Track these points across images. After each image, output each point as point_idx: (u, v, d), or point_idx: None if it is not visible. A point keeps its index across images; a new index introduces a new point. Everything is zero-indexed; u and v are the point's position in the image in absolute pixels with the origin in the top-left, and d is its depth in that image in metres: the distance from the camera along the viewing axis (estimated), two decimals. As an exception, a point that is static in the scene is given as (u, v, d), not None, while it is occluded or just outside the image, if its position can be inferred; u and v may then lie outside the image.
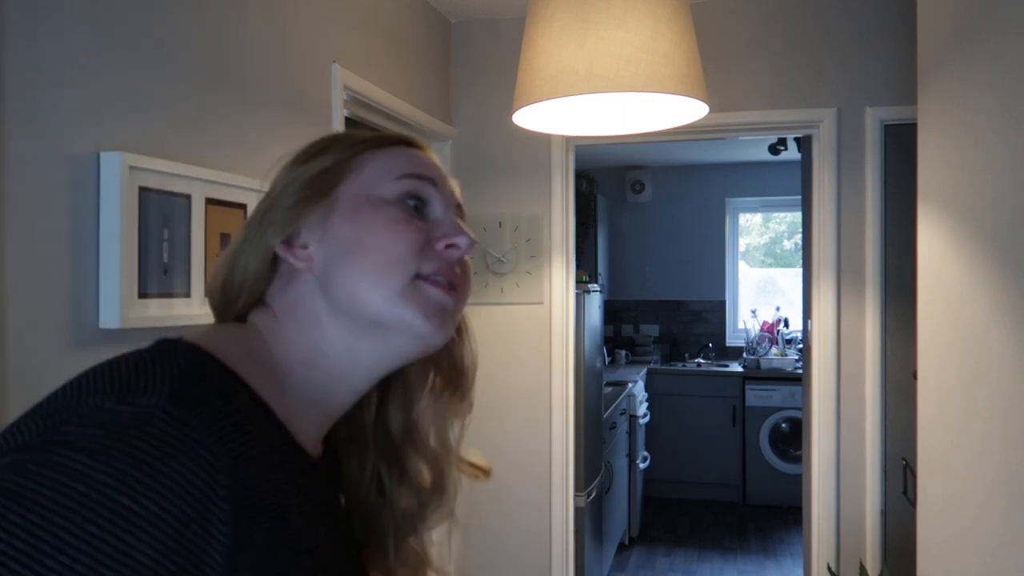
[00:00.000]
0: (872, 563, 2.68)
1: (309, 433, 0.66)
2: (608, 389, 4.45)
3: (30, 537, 0.44)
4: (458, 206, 0.73)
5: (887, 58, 2.71)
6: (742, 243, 6.32)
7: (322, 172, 0.69)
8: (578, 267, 3.26)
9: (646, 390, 5.36)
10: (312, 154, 0.71)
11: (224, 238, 1.58)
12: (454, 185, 0.75)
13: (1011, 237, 1.37)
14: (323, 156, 0.71)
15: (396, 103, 2.54)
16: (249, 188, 1.62)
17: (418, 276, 0.66)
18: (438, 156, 0.76)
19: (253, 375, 0.61)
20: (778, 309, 5.90)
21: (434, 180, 0.71)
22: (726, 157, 5.78)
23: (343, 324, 0.66)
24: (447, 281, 0.68)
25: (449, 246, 0.68)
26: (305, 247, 0.67)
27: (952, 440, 1.64)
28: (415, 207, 0.69)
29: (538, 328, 3.03)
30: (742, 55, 2.85)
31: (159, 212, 1.43)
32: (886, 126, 2.72)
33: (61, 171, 1.27)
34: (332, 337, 0.66)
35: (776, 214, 6.39)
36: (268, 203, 0.70)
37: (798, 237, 6.11)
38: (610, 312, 6.10)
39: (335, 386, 0.67)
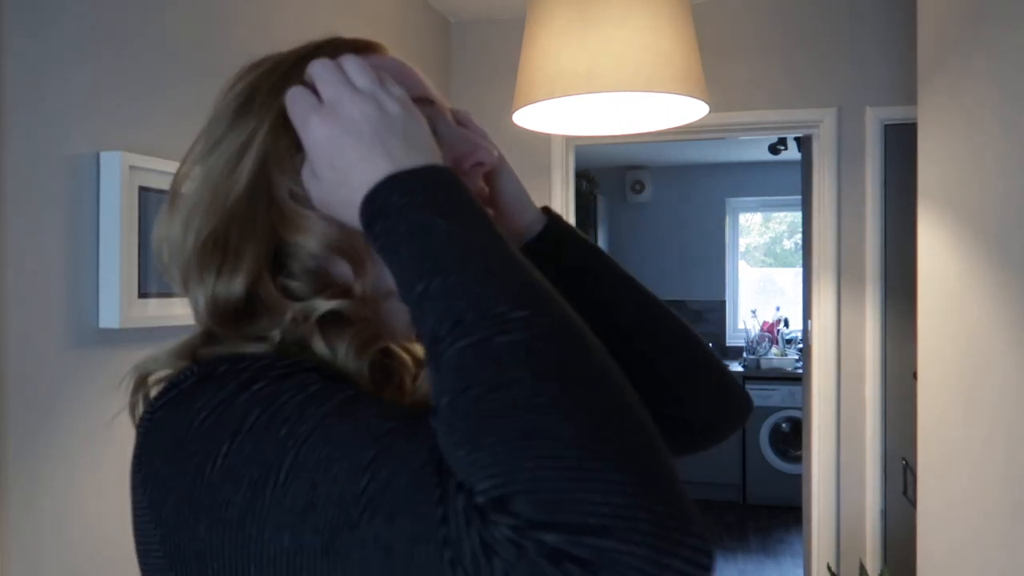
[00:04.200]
0: (872, 563, 2.68)
1: None
2: (608, 389, 4.44)
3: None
4: (450, 110, 0.69)
5: (887, 58, 2.71)
6: (742, 243, 6.32)
7: None
8: (578, 267, 3.25)
9: (646, 390, 5.35)
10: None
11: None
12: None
13: (1011, 237, 1.37)
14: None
15: (396, 103, 2.54)
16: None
17: None
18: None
19: None
20: (778, 309, 5.90)
21: (431, 98, 0.65)
22: (726, 157, 5.78)
23: None
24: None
25: (475, 164, 0.65)
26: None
27: (952, 440, 1.64)
28: None
29: (538, 328, 3.03)
30: (742, 55, 2.85)
31: (159, 212, 1.43)
32: (886, 126, 2.72)
33: (61, 171, 1.27)
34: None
35: (776, 214, 6.39)
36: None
37: (798, 237, 6.11)
38: (610, 312, 6.10)
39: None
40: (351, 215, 0.54)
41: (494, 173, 0.70)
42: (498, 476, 0.39)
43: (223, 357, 0.53)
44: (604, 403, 0.42)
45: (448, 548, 0.38)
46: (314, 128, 0.55)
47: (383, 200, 0.51)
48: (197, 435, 0.48)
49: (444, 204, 0.50)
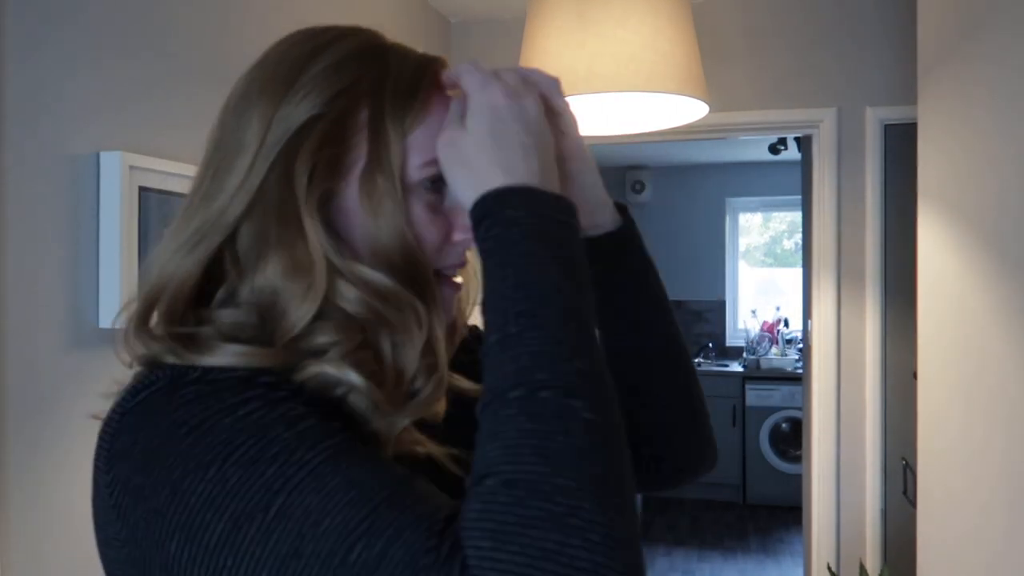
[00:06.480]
0: (872, 563, 2.68)
1: None
2: (608, 389, 4.44)
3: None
4: None
5: (887, 58, 2.71)
6: (742, 243, 6.32)
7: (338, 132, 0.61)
8: (578, 267, 3.25)
9: (646, 390, 5.36)
10: (336, 89, 0.63)
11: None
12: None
13: (1011, 237, 1.37)
14: (342, 99, 0.62)
15: (396, 103, 2.54)
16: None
17: (435, 273, 0.63)
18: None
19: None
20: (778, 309, 5.90)
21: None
22: (726, 157, 5.78)
23: None
24: (457, 269, 0.66)
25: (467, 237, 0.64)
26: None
27: (952, 439, 1.64)
28: (434, 187, 0.62)
29: (538, 328, 3.03)
30: (742, 55, 2.85)
31: (159, 212, 1.43)
32: (886, 126, 2.72)
33: (61, 171, 1.27)
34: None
35: (776, 214, 6.39)
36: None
37: (798, 237, 6.11)
38: (610, 312, 6.10)
39: None
40: (460, 192, 0.56)
41: (576, 159, 0.69)
42: None
43: (194, 365, 0.52)
44: (621, 528, 0.44)
45: None
46: (492, 95, 0.57)
47: (509, 205, 0.52)
48: (176, 452, 0.47)
49: (564, 248, 0.52)
